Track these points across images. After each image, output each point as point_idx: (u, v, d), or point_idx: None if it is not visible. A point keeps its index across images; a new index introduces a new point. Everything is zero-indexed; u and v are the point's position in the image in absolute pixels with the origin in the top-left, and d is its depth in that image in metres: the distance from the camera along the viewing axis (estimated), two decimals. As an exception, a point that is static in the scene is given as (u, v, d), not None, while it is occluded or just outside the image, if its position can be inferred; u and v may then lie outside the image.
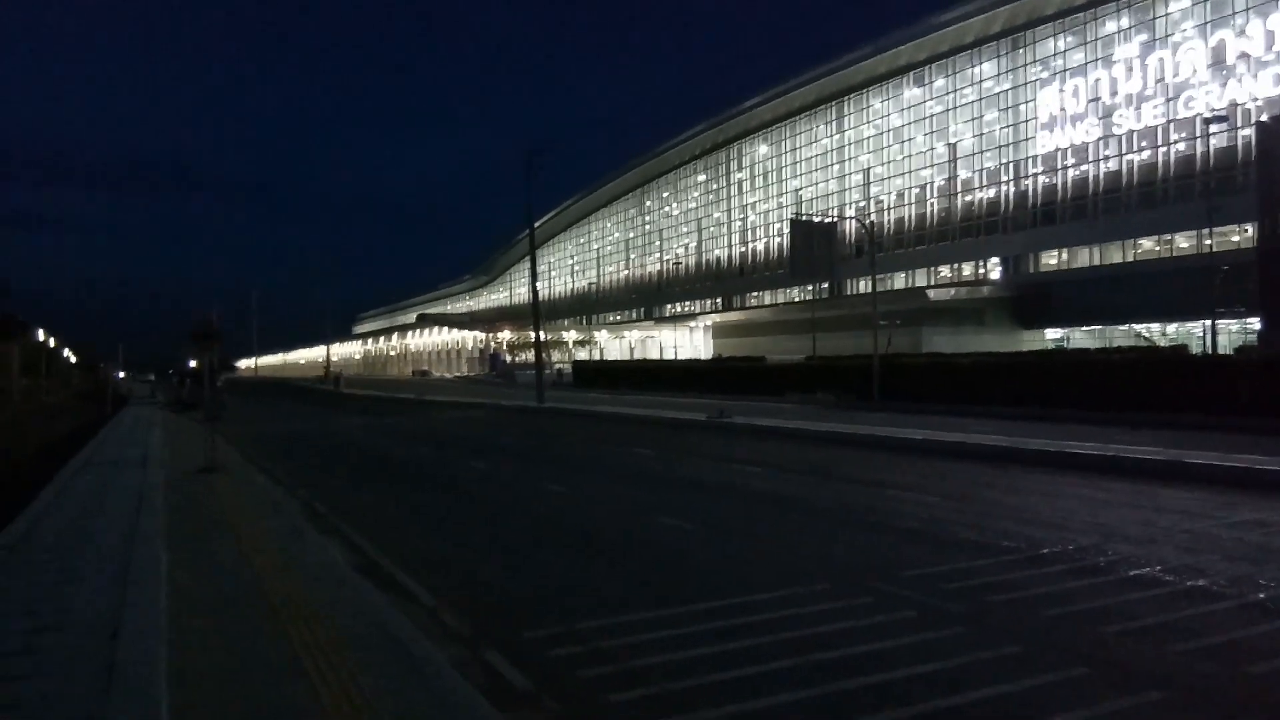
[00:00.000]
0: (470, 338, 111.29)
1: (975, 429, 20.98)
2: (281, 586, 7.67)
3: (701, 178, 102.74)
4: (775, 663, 5.98)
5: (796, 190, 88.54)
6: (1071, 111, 62.93)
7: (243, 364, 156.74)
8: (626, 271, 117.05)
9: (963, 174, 72.69)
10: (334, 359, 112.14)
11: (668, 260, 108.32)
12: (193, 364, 59.21)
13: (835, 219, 49.52)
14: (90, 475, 16.24)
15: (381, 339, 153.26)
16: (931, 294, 66.94)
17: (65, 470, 17.25)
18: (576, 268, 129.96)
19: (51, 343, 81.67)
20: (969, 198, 72.37)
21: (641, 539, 10.51)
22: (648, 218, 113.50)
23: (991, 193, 70.44)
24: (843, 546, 9.93)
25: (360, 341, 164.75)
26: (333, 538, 10.42)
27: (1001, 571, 8.46)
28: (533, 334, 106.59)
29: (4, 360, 47.92)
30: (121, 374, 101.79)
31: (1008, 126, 68.71)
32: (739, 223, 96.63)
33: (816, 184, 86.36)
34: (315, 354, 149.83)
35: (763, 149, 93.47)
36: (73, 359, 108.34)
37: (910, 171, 77.84)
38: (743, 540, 10.45)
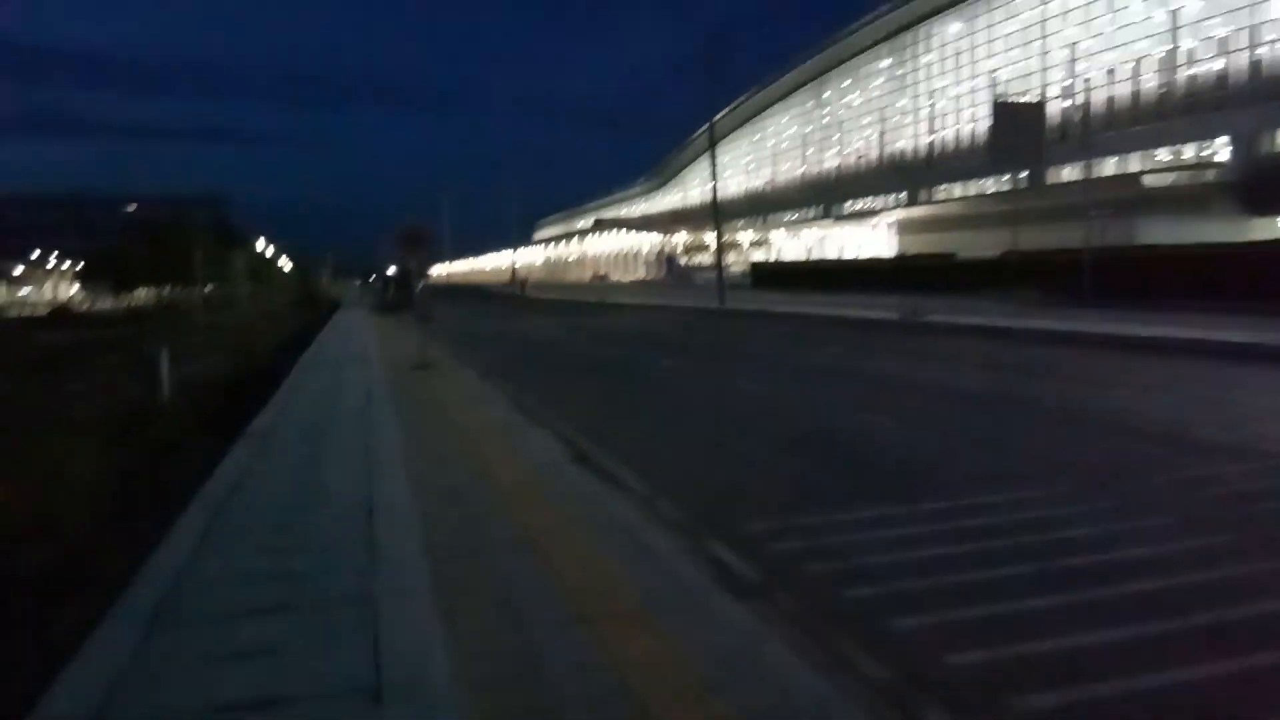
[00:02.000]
0: (646, 241, 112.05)
1: (1214, 326, 18.99)
2: (508, 475, 8.05)
3: (885, 63, 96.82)
4: (1018, 567, 5.68)
5: (992, 71, 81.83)
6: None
7: (434, 270, 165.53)
8: (803, 168, 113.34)
9: (1185, 44, 64.71)
10: (517, 264, 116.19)
11: (847, 154, 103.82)
12: (390, 270, 63.15)
13: (1043, 99, 45.36)
14: (320, 372, 17.68)
15: (561, 244, 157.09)
16: (1148, 180, 60.90)
17: (297, 366, 18.86)
18: (751, 166, 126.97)
19: (269, 251, 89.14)
20: (1192, 71, 64.55)
21: (849, 436, 10.25)
22: (826, 110, 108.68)
23: (1220, 64, 62.43)
24: (1077, 448, 9.28)
25: (541, 247, 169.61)
26: (543, 430, 10.83)
27: (1269, 477, 7.69)
28: (707, 236, 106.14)
29: (231, 268, 52.62)
30: (323, 280, 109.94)
31: (1245, -15, 60.20)
32: (926, 110, 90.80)
33: (1015, 63, 79.42)
34: (500, 260, 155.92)
35: (955, 26, 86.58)
36: (288, 266, 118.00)
37: (1124, 44, 70.04)
38: (963, 440, 9.97)
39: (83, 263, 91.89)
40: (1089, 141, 52.10)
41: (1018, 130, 32.41)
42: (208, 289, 66.94)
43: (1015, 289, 34.12)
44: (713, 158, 44.39)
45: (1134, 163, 67.92)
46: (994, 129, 34.35)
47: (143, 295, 76.86)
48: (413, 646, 4.24)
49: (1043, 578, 5.50)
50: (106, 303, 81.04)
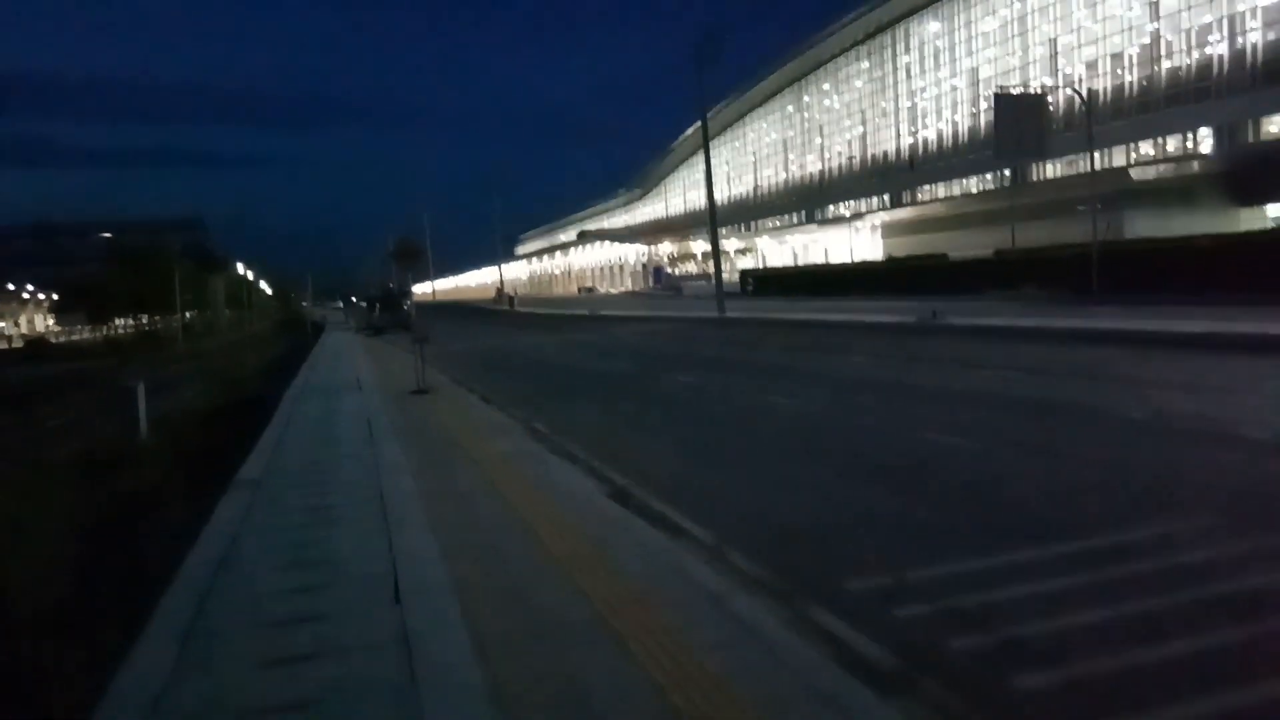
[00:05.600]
0: (632, 252, 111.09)
1: (1248, 318, 17.97)
2: (544, 521, 6.90)
3: (864, 64, 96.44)
4: (1221, 632, 4.55)
5: (973, 69, 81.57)
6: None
7: (417, 289, 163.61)
8: (785, 174, 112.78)
9: (1166, 35, 64.50)
10: (503, 280, 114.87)
11: (830, 158, 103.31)
12: (369, 296, 61.80)
13: (1045, 90, 44.70)
14: (313, 401, 16.45)
15: (545, 258, 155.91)
16: (1134, 173, 60.49)
17: (288, 394, 17.63)
18: (733, 174, 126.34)
19: (249, 275, 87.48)
20: (1173, 62, 64.31)
21: (922, 460, 9.01)
22: (806, 114, 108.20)
23: (1201, 54, 62.19)
24: (1192, 466, 8.10)
25: (525, 261, 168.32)
26: (568, 461, 9.69)
27: None
28: (693, 245, 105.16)
29: (210, 293, 51.30)
30: (305, 303, 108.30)
31: (1224, -26, 60.05)
32: (907, 111, 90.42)
33: (995, 60, 79.15)
34: (484, 276, 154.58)
35: (933, 26, 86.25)
36: (268, 290, 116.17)
37: (1104, 38, 69.85)
38: (1055, 461, 8.69)
39: (56, 294, 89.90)
40: (1068, 136, 51.55)
41: (1020, 122, 31.63)
42: (188, 316, 65.35)
43: (1016, 287, 33.33)
44: (707, 163, 43.56)
45: (1117, 157, 67.62)
46: (996, 121, 33.55)
47: (121, 325, 75.08)
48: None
49: (1257, 647, 4.40)
50: (84, 333, 79.19)
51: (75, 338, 77.56)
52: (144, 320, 70.64)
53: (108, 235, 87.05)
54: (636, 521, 6.91)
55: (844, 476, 8.74)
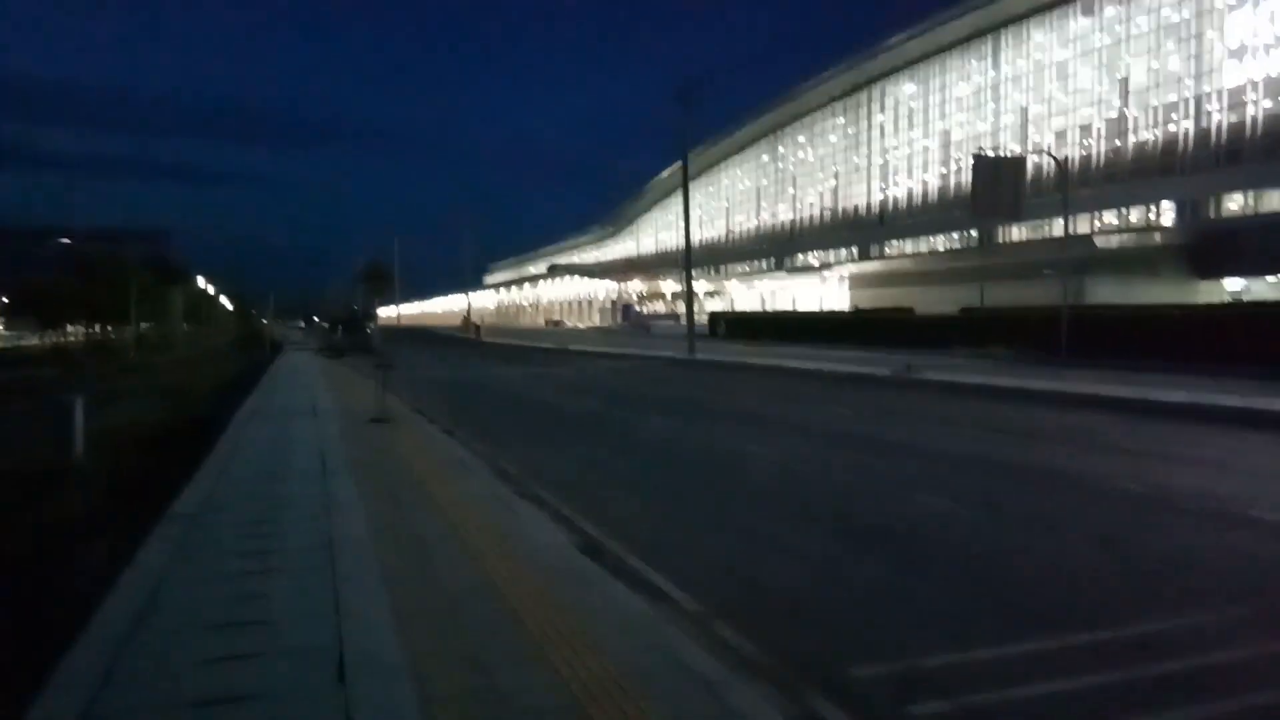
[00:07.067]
0: (601, 288, 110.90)
1: (1221, 390, 17.97)
2: (511, 582, 6.24)
3: (840, 120, 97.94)
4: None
5: (945, 131, 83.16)
6: (1265, 40, 56.04)
7: (382, 312, 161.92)
8: (757, 221, 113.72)
9: (1133, 112, 66.28)
10: (470, 308, 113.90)
11: (801, 209, 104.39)
12: (332, 317, 60.59)
13: (1023, 154, 45.42)
14: (263, 425, 15.59)
15: (513, 289, 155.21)
16: (1099, 240, 61.65)
17: (239, 415, 16.76)
18: (705, 218, 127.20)
19: (210, 290, 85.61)
20: (1140, 137, 66.03)
21: (912, 524, 8.53)
22: (780, 164, 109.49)
23: (1166, 131, 63.93)
24: (1210, 548, 7.68)
25: (493, 291, 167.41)
26: (538, 507, 9.05)
27: None
28: (662, 285, 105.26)
29: (169, 305, 49.91)
30: (265, 320, 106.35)
31: (1189, 58, 61.92)
32: (879, 167, 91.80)
33: (965, 124, 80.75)
34: (451, 303, 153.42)
35: (908, 88, 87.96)
36: (229, 306, 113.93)
37: (1073, 110, 71.65)
38: (1059, 535, 8.22)
39: (5, 297, 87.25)
40: (1035, 203, 52.24)
41: (997, 184, 31.90)
42: (143, 327, 63.57)
43: (983, 345, 33.46)
44: (685, 204, 43.61)
45: (1082, 224, 68.95)
46: (974, 182, 33.81)
47: (72, 332, 72.85)
48: None
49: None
50: (34, 340, 76.72)
51: (22, 344, 75.09)
52: (96, 329, 68.58)
53: (66, 241, 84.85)
54: (613, 584, 6.29)
55: (834, 539, 8.22)
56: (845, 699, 4.55)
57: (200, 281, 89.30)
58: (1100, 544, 7.85)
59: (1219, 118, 60.02)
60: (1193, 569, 7.07)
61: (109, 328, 65.80)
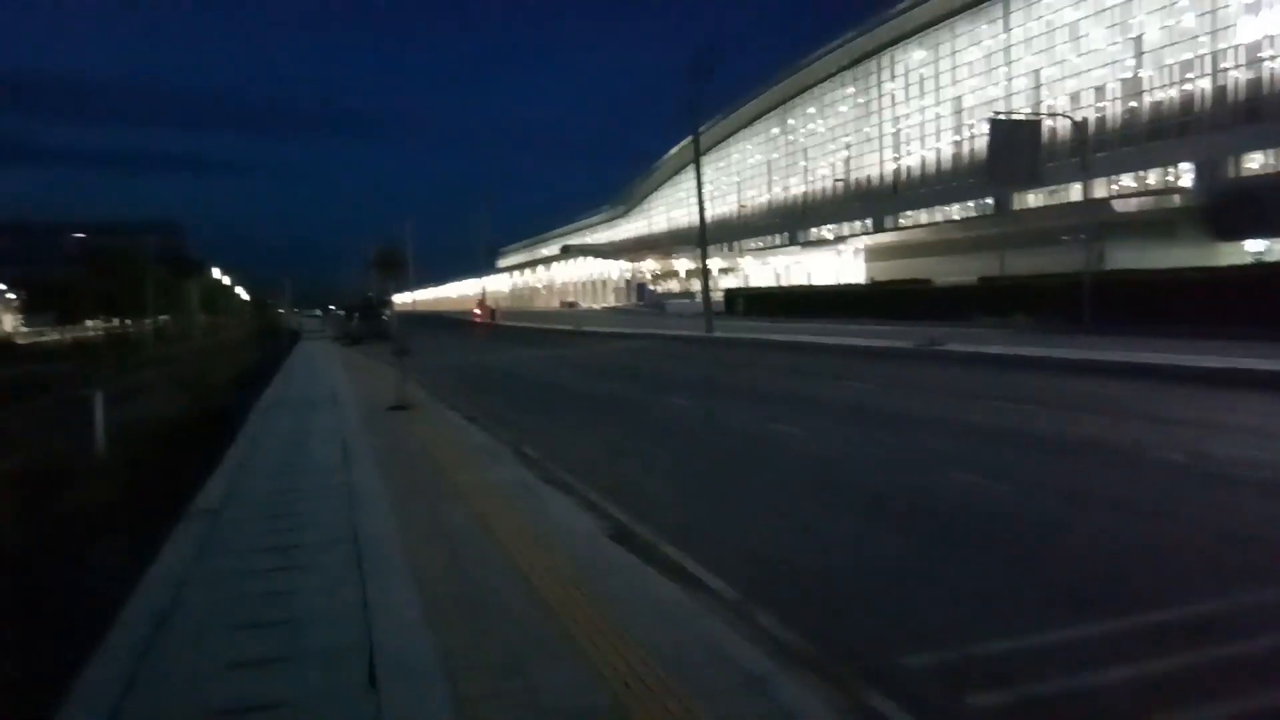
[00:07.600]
0: (615, 268, 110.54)
1: (1258, 354, 17.40)
2: (543, 571, 6.09)
3: (849, 90, 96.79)
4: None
5: (956, 98, 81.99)
6: (1284, -9, 54.72)
7: (397, 299, 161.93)
8: (768, 195, 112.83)
9: (1148, 71, 65.00)
10: (484, 292, 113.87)
11: (813, 181, 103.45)
12: (347, 305, 60.58)
13: (1040, 115, 44.63)
14: (284, 416, 15.51)
15: (527, 271, 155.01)
16: (1117, 205, 60.74)
17: (259, 405, 16.69)
18: (716, 193, 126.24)
19: (226, 280, 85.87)
20: (1155, 97, 64.80)
21: (949, 503, 8.25)
22: (790, 137, 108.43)
23: (1182, 90, 62.68)
24: (1269, 521, 7.34)
25: (507, 274, 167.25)
26: (565, 493, 8.89)
27: None
28: (676, 263, 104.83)
29: (185, 297, 50.02)
30: (280, 310, 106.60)
31: (1204, 14, 60.53)
32: (890, 136, 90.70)
33: (977, 90, 79.52)
34: (464, 288, 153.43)
35: (918, 54, 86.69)
36: (245, 296, 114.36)
37: (1086, 71, 70.35)
38: (1107, 511, 7.81)
39: (25, 292, 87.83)
40: (1050, 167, 51.44)
41: (1014, 147, 31.29)
42: (161, 320, 63.87)
43: (1004, 315, 33.02)
44: (698, 179, 43.31)
45: (1099, 188, 67.89)
46: (990, 145, 33.21)
47: (91, 327, 73.31)
48: None
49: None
50: (53, 335, 77.24)
51: (43, 339, 75.62)
52: (115, 323, 68.94)
53: (81, 235, 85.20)
54: (646, 570, 6.13)
55: (871, 520, 8.00)
56: (898, 691, 4.36)
57: (216, 272, 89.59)
58: (1150, 518, 7.58)
59: (1236, 75, 58.76)
60: (1253, 543, 6.78)
61: (127, 321, 66.09)
